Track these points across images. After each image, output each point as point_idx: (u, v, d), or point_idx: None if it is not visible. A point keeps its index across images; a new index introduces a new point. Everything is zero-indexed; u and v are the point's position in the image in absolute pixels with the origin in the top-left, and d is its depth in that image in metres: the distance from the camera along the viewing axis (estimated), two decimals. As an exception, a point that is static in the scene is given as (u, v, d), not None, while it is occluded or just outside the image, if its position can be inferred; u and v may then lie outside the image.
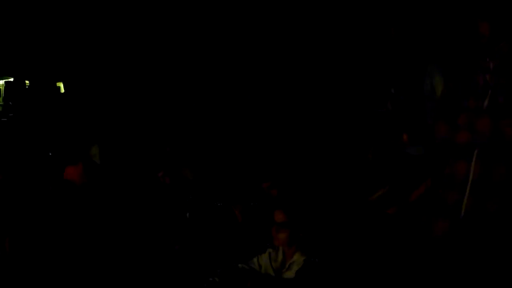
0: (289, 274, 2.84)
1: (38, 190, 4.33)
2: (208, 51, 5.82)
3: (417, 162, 3.47)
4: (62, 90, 9.26)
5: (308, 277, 2.73)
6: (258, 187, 3.72)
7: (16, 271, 3.77)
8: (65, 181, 4.18)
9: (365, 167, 3.78)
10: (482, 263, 2.81)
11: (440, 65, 3.49)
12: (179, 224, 3.97)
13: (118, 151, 5.21)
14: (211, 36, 5.86)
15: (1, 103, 11.89)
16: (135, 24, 6.21)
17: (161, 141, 5.02)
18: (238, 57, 5.65)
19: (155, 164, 4.42)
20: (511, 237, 2.77)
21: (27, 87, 9.02)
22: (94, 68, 6.48)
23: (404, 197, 3.39)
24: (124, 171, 4.77)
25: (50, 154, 6.04)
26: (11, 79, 9.99)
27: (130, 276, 3.66)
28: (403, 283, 2.99)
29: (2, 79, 11.43)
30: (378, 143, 3.77)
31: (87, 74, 6.56)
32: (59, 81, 8.14)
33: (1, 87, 11.56)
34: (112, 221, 4.01)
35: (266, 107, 5.25)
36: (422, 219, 3.03)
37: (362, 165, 3.81)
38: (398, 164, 3.59)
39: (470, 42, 2.90)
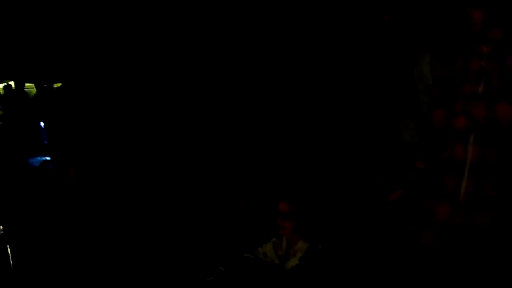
0: (294, 261, 2.89)
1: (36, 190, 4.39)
2: (208, 48, 5.84)
3: (413, 148, 3.50)
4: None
5: (312, 263, 2.80)
6: (262, 181, 3.78)
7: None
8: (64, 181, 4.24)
9: (364, 156, 3.83)
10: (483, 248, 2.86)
11: (430, 51, 3.51)
12: (182, 217, 4.02)
13: (119, 150, 5.23)
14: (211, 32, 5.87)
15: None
16: (135, 23, 6.22)
17: (163, 139, 5.06)
18: (238, 55, 5.66)
19: (159, 161, 4.46)
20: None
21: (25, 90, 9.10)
22: (93, 68, 6.50)
23: (402, 184, 3.43)
24: (127, 168, 4.80)
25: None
26: (10, 83, 10.05)
27: (133, 271, 3.70)
28: (404, 269, 3.05)
29: (2, 83, 11.47)
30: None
31: (85, 75, 6.59)
32: (56, 82, 8.17)
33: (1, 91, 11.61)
34: (112, 220, 4.06)
35: (269, 103, 5.27)
36: (422, 204, 3.08)
37: (361, 154, 3.86)
38: (394, 151, 3.64)
39: (462, 28, 2.94)
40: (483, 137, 2.86)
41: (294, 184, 3.51)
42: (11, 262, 3.85)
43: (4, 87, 10.37)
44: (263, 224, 3.34)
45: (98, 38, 6.46)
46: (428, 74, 3.46)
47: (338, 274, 2.78)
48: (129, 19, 6.23)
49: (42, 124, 8.78)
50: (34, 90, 9.89)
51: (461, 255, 2.93)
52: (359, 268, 2.98)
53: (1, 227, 3.93)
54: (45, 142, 7.91)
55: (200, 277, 2.99)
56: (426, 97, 3.49)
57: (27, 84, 10.11)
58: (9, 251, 3.88)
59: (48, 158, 6.27)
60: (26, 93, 10.14)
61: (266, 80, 5.26)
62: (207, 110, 5.41)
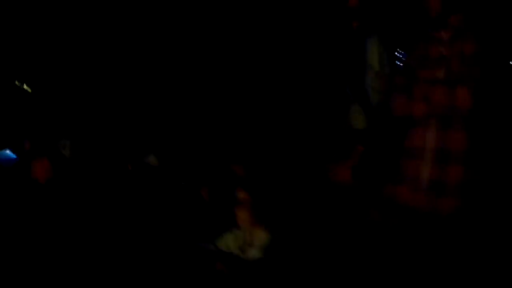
0: (254, 252, 2.86)
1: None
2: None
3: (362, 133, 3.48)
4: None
5: (272, 254, 2.76)
6: (224, 168, 3.73)
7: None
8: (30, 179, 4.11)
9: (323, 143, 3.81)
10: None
11: (380, 39, 3.50)
12: (146, 208, 3.96)
13: (87, 142, 5.14)
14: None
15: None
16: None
17: (124, 128, 5.00)
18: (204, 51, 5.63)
19: (120, 152, 4.39)
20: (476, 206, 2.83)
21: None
22: (62, 62, 6.41)
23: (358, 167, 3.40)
24: (93, 160, 4.71)
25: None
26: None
27: (100, 262, 3.64)
28: (367, 257, 3.03)
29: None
30: None
31: (55, 69, 6.49)
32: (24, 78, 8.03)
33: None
34: (81, 214, 3.97)
35: (232, 92, 5.24)
36: (384, 190, 3.06)
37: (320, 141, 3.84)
38: (343, 135, 3.62)
39: (421, 14, 2.92)
40: (443, 123, 2.85)
41: (253, 170, 3.48)
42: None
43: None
44: (224, 214, 3.29)
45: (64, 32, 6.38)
46: (376, 61, 3.45)
47: (299, 265, 2.74)
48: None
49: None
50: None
51: (424, 242, 2.92)
52: (321, 258, 2.95)
53: None
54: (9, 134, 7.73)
55: (161, 269, 2.94)
56: (375, 83, 3.49)
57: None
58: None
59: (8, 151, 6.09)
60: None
61: (221, 72, 5.25)
62: (169, 101, 5.38)
